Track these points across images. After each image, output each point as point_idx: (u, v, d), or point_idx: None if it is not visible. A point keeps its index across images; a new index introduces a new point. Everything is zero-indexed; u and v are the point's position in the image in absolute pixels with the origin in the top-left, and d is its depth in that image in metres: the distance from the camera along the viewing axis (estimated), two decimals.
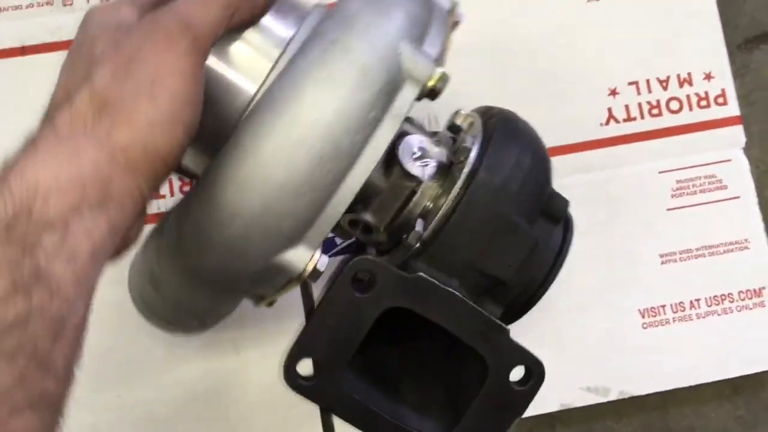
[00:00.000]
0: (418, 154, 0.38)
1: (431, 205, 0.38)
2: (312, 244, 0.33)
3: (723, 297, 0.56)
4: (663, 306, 0.56)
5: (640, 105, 0.58)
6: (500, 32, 0.58)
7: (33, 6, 0.54)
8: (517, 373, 0.38)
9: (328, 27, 0.33)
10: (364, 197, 0.37)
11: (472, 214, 0.37)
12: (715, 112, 0.58)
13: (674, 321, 0.56)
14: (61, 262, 0.27)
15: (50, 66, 0.54)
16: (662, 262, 0.57)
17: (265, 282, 0.35)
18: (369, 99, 0.32)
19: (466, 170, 0.38)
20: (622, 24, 0.58)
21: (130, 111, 0.30)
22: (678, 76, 0.58)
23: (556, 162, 0.56)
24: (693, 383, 0.55)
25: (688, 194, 0.57)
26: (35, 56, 0.54)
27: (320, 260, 0.34)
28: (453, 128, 0.42)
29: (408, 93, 0.33)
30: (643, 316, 0.56)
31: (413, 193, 0.38)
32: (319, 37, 0.33)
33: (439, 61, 0.35)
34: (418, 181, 0.38)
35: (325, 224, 0.33)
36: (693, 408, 0.59)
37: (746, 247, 0.57)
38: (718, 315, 0.56)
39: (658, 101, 0.58)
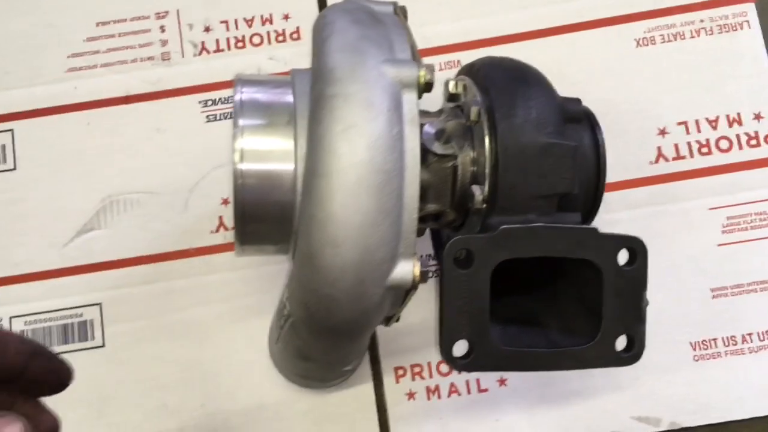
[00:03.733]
0: (440, 135, 0.43)
1: (475, 168, 0.43)
2: (408, 254, 0.38)
3: None
4: (714, 339, 0.57)
5: (689, 144, 0.60)
6: (551, 74, 0.61)
7: (137, 61, 0.63)
8: (623, 257, 0.42)
9: (322, 86, 0.38)
10: (421, 194, 0.42)
11: (511, 156, 0.42)
12: (765, 151, 0.59)
13: (726, 354, 0.57)
14: None
15: (151, 113, 0.62)
16: (713, 296, 0.58)
17: (388, 305, 0.41)
18: (385, 122, 0.37)
19: (486, 125, 0.42)
20: (671, 67, 0.61)
21: None
22: (727, 116, 0.60)
23: (606, 197, 0.60)
24: (744, 417, 0.56)
25: (738, 230, 0.58)
26: (137, 104, 0.62)
27: (421, 263, 0.39)
28: (452, 98, 0.47)
29: (409, 98, 0.38)
30: (695, 349, 0.57)
31: (455, 168, 0.43)
32: (321, 99, 0.38)
33: (415, 58, 0.40)
34: (453, 156, 0.43)
35: (409, 233, 0.38)
36: None
37: None
38: None
39: (707, 140, 0.60)
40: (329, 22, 0.41)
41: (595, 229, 0.42)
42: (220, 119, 0.62)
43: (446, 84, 0.48)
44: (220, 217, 0.60)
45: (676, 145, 0.60)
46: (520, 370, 0.43)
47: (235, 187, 0.40)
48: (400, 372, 0.57)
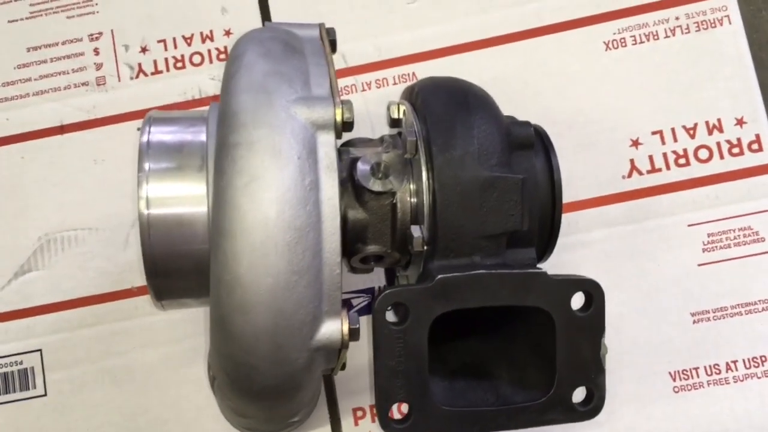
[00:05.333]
0: (376, 170, 0.39)
1: (415, 203, 0.39)
2: (333, 312, 0.35)
3: (763, 358, 0.52)
4: (696, 368, 0.53)
5: (665, 155, 0.55)
6: (513, 82, 0.57)
7: (70, 87, 0.59)
8: (578, 301, 0.39)
9: (226, 132, 0.34)
10: (358, 236, 0.39)
11: (450, 193, 0.38)
12: (749, 160, 0.55)
13: (709, 384, 0.53)
14: None
15: (88, 143, 0.58)
16: (694, 321, 0.53)
17: (320, 363, 0.37)
18: (294, 172, 0.33)
19: (423, 159, 0.39)
20: (644, 71, 0.56)
21: None
22: (707, 122, 0.55)
23: (577, 216, 0.55)
24: None
25: (721, 248, 0.54)
26: (73, 134, 0.58)
27: (350, 320, 0.36)
28: (393, 123, 0.43)
29: (325, 140, 0.34)
30: (675, 380, 0.53)
31: (394, 205, 0.40)
32: (224, 148, 0.34)
33: (333, 94, 0.36)
34: (391, 193, 0.39)
35: (333, 291, 0.35)
36: None
37: None
38: (758, 378, 0.52)
39: (684, 150, 0.55)
40: (238, 56, 0.37)
41: (544, 273, 0.38)
42: None
43: (388, 108, 0.44)
44: None
45: (650, 157, 0.55)
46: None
47: (142, 238, 0.37)
48: (359, 413, 0.54)
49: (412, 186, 0.40)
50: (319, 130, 0.35)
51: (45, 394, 0.55)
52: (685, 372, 0.53)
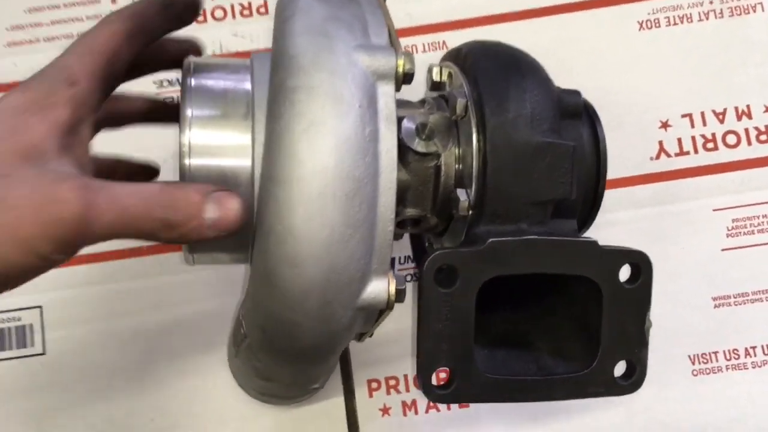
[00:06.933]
0: (421, 131, 0.37)
1: (461, 169, 0.38)
2: (382, 271, 0.33)
3: None
4: (716, 352, 0.53)
5: (693, 138, 0.55)
6: (545, 57, 0.56)
7: None
8: (625, 274, 0.38)
9: (283, 76, 0.32)
10: (399, 198, 0.37)
11: (502, 156, 0.37)
12: None
13: (727, 369, 0.52)
14: None
15: None
16: (715, 306, 0.53)
17: (359, 325, 0.35)
18: (356, 120, 0.31)
19: (474, 120, 0.37)
20: (676, 54, 0.56)
21: None
22: (736, 108, 0.55)
23: (604, 196, 0.54)
24: None
25: (745, 234, 0.54)
26: None
27: (397, 281, 0.34)
28: (435, 86, 0.42)
29: (385, 91, 0.33)
30: (694, 363, 0.53)
31: (438, 168, 0.38)
32: (281, 92, 0.32)
33: (393, 43, 0.34)
34: (435, 155, 0.38)
35: (384, 248, 0.33)
36: None
37: None
38: None
39: (713, 134, 0.55)
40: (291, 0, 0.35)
41: (595, 243, 0.37)
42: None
43: (430, 70, 0.42)
44: None
45: (679, 140, 0.55)
46: (508, 401, 0.38)
47: None
48: (374, 385, 0.52)
49: (457, 149, 0.38)
50: (380, 80, 0.33)
51: (43, 353, 0.52)
52: (704, 356, 0.53)
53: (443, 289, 0.35)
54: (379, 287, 0.33)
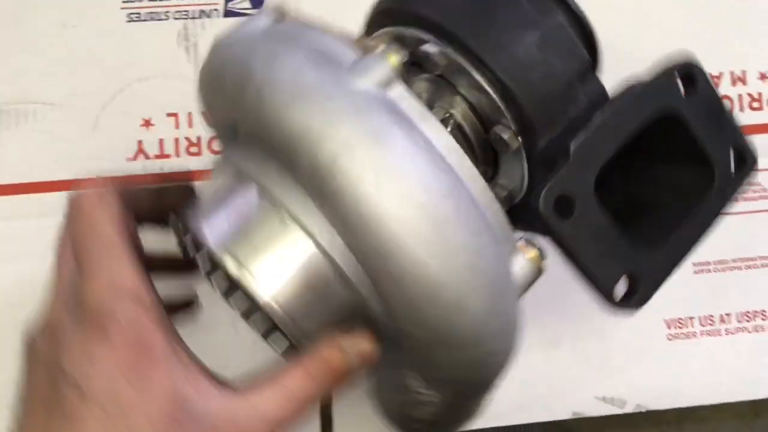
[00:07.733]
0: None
1: (481, 107, 0.35)
2: (514, 248, 0.31)
3: (755, 313, 0.53)
4: (691, 318, 0.53)
5: None
6: None
7: None
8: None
9: (309, 158, 0.28)
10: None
11: (515, 72, 0.34)
12: (766, 116, 0.54)
13: (701, 335, 0.53)
14: None
15: (59, 3, 0.49)
16: (695, 272, 0.53)
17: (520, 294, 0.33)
18: (403, 136, 0.28)
19: (462, 60, 0.34)
20: (670, 15, 0.54)
21: None
22: (731, 73, 0.54)
23: None
24: (714, 402, 0.52)
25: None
26: None
27: (527, 242, 0.32)
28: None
29: (398, 93, 0.30)
30: (669, 327, 0.52)
31: (460, 126, 0.36)
32: (317, 173, 0.28)
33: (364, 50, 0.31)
34: (449, 117, 0.36)
35: (501, 225, 0.31)
36: (710, 427, 0.55)
37: None
38: (749, 332, 0.53)
39: None
40: (246, 77, 0.29)
41: (637, 82, 0.35)
42: (145, 20, 0.50)
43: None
44: (139, 143, 0.50)
45: None
46: (685, 259, 0.37)
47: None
48: None
49: (462, 99, 0.36)
50: (387, 87, 0.29)
51: None
52: (680, 321, 0.52)
53: (567, 218, 0.32)
54: (521, 263, 0.31)
